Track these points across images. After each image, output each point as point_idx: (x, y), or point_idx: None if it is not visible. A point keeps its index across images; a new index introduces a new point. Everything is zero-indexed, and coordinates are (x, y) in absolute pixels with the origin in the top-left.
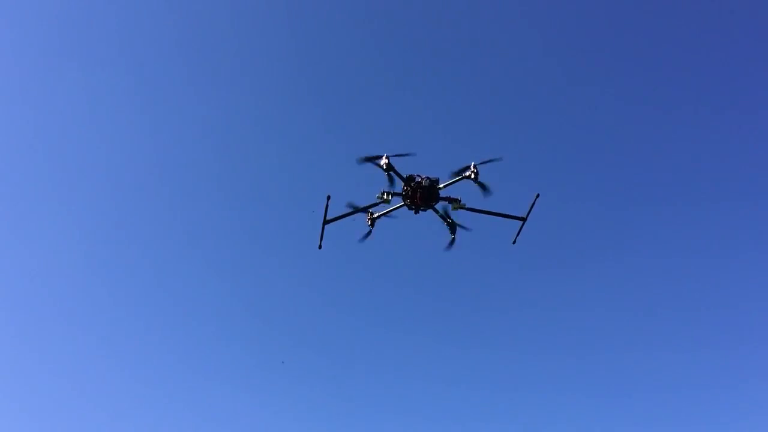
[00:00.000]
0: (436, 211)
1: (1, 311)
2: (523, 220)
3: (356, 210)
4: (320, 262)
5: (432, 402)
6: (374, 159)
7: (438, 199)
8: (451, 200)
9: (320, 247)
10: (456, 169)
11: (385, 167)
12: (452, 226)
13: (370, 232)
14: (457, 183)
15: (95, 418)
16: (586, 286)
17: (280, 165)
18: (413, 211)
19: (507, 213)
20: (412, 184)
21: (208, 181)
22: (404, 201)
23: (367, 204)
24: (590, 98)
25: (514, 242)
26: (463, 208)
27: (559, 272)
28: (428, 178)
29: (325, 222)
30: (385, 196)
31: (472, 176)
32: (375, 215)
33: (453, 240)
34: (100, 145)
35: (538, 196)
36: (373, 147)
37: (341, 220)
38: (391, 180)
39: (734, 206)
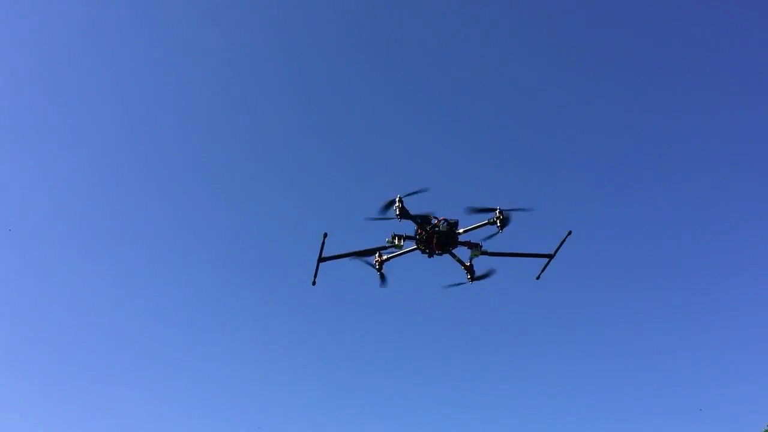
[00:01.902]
0: (454, 256)
1: None
2: (551, 257)
3: (359, 252)
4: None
5: None
6: (388, 207)
7: (456, 244)
8: (470, 246)
9: (314, 283)
10: (477, 208)
11: (399, 212)
12: (471, 272)
13: (383, 276)
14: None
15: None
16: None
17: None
18: (427, 255)
19: (530, 252)
20: (428, 228)
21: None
22: (418, 246)
23: (374, 247)
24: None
25: (537, 278)
26: (484, 254)
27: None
28: (446, 220)
29: (320, 259)
30: (396, 241)
31: (498, 222)
32: (384, 257)
33: (471, 281)
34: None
35: (569, 233)
36: (386, 185)
37: (340, 259)
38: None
39: None
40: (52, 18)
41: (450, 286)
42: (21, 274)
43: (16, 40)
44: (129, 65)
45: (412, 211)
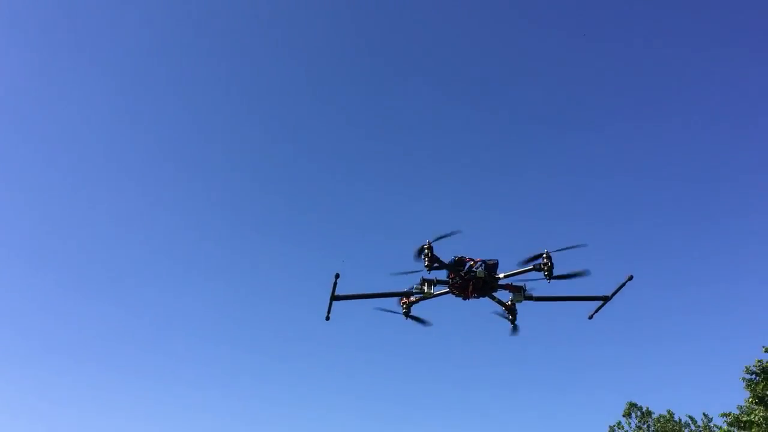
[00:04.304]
0: (493, 298)
1: None
2: (607, 299)
3: (380, 294)
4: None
5: None
6: (419, 255)
7: (497, 287)
8: (512, 289)
9: (327, 318)
10: (525, 258)
11: (428, 262)
12: (513, 314)
13: (416, 318)
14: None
15: None
16: None
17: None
18: (462, 298)
19: (582, 295)
20: (463, 273)
21: None
22: (451, 290)
23: (398, 291)
24: None
25: (590, 317)
26: (529, 299)
27: None
28: (483, 262)
29: (333, 298)
30: (426, 288)
31: (544, 268)
32: (412, 299)
33: (515, 327)
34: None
35: (631, 278)
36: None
37: (356, 300)
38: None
39: None
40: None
41: (512, 334)
42: None
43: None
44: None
45: (444, 257)
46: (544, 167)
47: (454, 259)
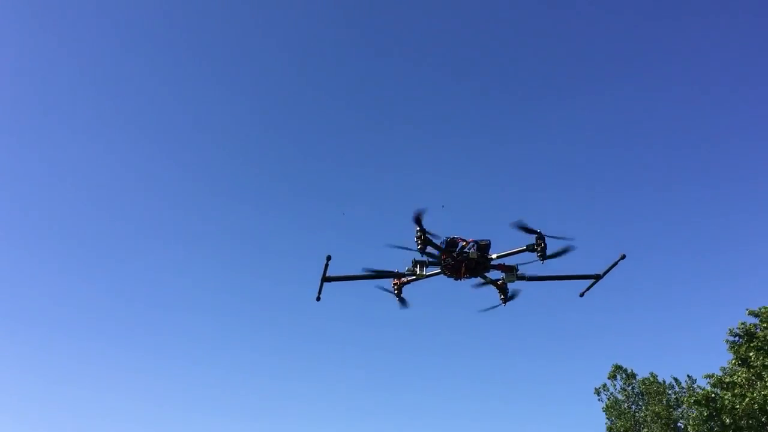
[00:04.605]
0: (485, 278)
1: None
2: (599, 277)
3: (372, 275)
4: None
5: None
6: (418, 224)
7: (489, 268)
8: (505, 269)
9: (318, 299)
10: (521, 225)
11: (421, 243)
12: (504, 293)
13: (403, 300)
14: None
15: None
16: None
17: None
18: (454, 278)
19: (574, 274)
20: (455, 254)
21: None
22: (443, 271)
23: (390, 271)
24: None
25: (582, 295)
26: (522, 278)
27: None
28: (476, 243)
29: (324, 279)
30: (418, 269)
31: (537, 248)
32: (403, 281)
33: (504, 303)
34: None
35: (623, 257)
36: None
37: (347, 281)
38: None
39: None
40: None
41: (484, 310)
42: None
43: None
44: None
45: (434, 235)
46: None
47: (446, 240)
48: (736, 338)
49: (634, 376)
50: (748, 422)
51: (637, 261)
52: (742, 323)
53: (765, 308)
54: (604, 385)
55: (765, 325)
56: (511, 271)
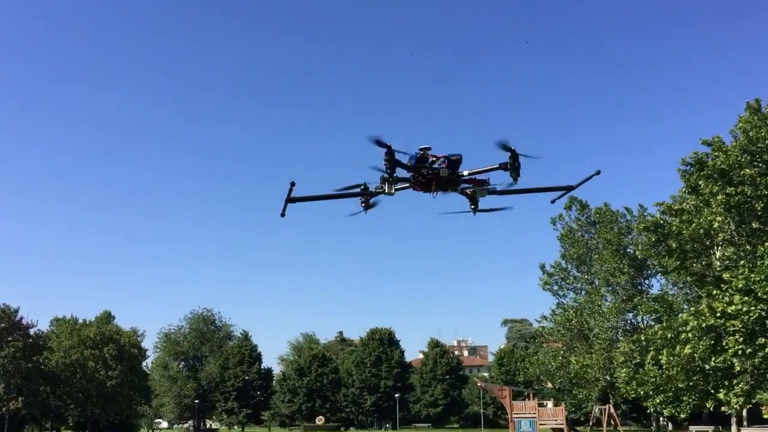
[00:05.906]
0: (456, 191)
1: None
2: (571, 188)
3: (337, 195)
4: None
5: None
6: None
7: (460, 183)
8: (476, 183)
9: (283, 215)
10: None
11: (388, 167)
12: (475, 202)
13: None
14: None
15: None
16: None
17: None
18: (423, 192)
19: (546, 186)
20: (425, 171)
21: None
22: (413, 186)
23: (356, 188)
24: None
25: (553, 202)
26: (493, 192)
27: None
28: (446, 158)
29: (289, 200)
30: (386, 188)
31: (510, 168)
32: (371, 201)
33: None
34: None
35: (598, 172)
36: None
37: (313, 201)
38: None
39: None
40: None
41: (447, 213)
42: None
43: None
44: None
45: (403, 153)
46: None
47: (417, 155)
48: (688, 167)
49: (587, 206)
50: (693, 246)
51: (591, 75)
52: (695, 152)
53: (717, 137)
54: (560, 215)
55: (716, 154)
56: (481, 184)
